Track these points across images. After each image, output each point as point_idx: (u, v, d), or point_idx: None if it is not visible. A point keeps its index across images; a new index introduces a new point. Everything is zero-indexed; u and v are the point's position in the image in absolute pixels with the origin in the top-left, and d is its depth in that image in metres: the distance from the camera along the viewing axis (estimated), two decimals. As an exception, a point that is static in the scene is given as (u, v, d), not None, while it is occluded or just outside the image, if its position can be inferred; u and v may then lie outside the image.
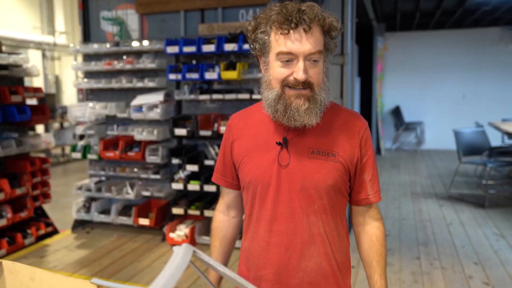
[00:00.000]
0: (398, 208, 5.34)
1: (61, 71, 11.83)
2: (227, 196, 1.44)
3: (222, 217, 1.46)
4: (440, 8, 7.62)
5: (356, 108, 8.78)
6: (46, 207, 4.87)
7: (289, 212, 1.24)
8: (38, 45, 10.83)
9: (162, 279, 0.68)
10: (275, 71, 1.18)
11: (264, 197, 1.27)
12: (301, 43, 1.13)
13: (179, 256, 0.76)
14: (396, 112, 10.19)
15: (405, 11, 8.02)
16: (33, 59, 10.98)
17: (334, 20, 1.18)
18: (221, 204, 1.47)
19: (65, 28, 11.25)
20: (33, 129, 8.97)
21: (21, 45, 10.46)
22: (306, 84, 1.16)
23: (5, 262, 1.03)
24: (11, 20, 11.20)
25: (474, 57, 9.80)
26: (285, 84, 1.18)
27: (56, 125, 10.06)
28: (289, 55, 1.15)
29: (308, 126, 1.21)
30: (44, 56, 11.27)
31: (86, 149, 4.38)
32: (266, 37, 1.19)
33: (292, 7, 1.15)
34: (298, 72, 1.14)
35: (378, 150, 9.40)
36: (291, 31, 1.14)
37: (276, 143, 1.26)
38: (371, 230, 1.32)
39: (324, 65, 1.21)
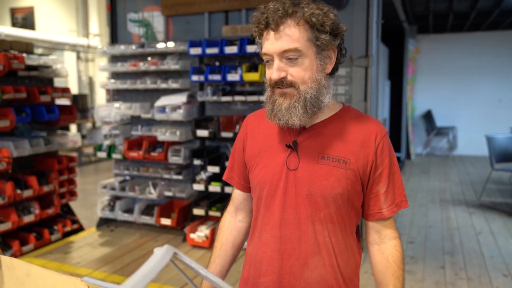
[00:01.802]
0: (425, 215, 5.18)
1: (94, 72, 12.17)
2: (236, 198, 1.41)
3: (228, 218, 1.42)
4: (475, 9, 7.37)
5: (386, 112, 8.61)
6: (76, 204, 5.01)
7: (294, 218, 1.19)
8: (73, 47, 11.19)
9: (135, 278, 0.67)
10: (266, 72, 1.19)
11: (270, 200, 1.23)
12: (271, 42, 1.12)
13: (157, 257, 0.74)
14: (428, 116, 9.92)
15: (438, 12, 7.80)
16: (68, 61, 11.37)
17: (316, 13, 1.10)
18: (230, 206, 1.44)
19: (98, 30, 11.57)
20: (66, 128, 9.28)
21: (57, 47, 10.84)
22: (287, 83, 1.14)
23: (3, 258, 1.05)
24: (49, 24, 11.66)
25: (512, 60, 9.43)
26: (271, 84, 1.17)
27: (88, 125, 10.36)
28: (266, 55, 1.15)
29: (291, 125, 1.17)
30: (78, 57, 11.63)
31: (111, 149, 4.47)
32: (260, 40, 1.19)
33: (263, 8, 1.13)
34: (272, 71, 1.14)
35: (408, 155, 9.18)
36: (264, 32, 1.14)
37: (286, 145, 1.22)
38: (387, 250, 1.22)
39: (317, 63, 1.14)
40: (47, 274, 1.00)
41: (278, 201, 1.21)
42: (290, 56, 1.11)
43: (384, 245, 1.24)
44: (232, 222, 1.41)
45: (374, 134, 1.20)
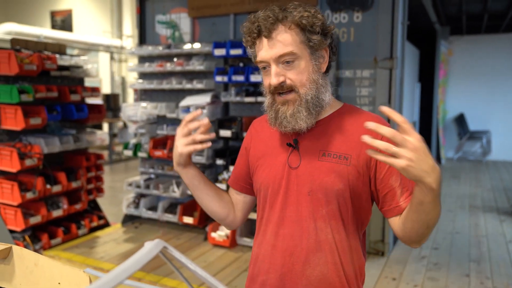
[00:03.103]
0: (453, 221, 5.05)
1: (127, 72, 12.48)
2: (233, 196, 1.45)
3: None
4: (511, 9, 7.11)
5: (416, 115, 8.43)
6: (104, 201, 5.15)
7: (296, 215, 1.21)
8: (107, 48, 11.52)
9: (121, 267, 0.70)
10: (263, 79, 1.22)
11: (274, 199, 1.25)
12: (266, 49, 1.15)
13: (145, 249, 0.77)
14: (460, 120, 9.64)
15: (472, 13, 7.58)
16: (102, 61, 11.72)
17: (304, 15, 1.13)
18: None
19: (131, 32, 11.87)
20: (99, 127, 9.55)
21: (92, 48, 11.20)
22: (286, 87, 1.16)
23: (15, 247, 1.11)
24: (85, 25, 12.06)
25: (551, 62, 9.04)
26: (271, 91, 1.19)
27: (120, 123, 10.63)
28: (262, 63, 1.18)
29: (298, 130, 1.19)
30: (112, 58, 11.96)
31: (137, 147, 4.58)
32: (252, 49, 1.22)
33: (253, 18, 1.16)
34: (271, 77, 1.15)
35: (438, 159, 8.95)
36: (257, 41, 1.17)
37: (287, 144, 1.24)
38: None
39: (312, 63, 1.17)
40: (53, 265, 1.06)
41: (280, 199, 1.23)
42: (286, 60, 1.14)
43: None
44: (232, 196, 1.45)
45: None
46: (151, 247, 0.78)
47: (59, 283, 1.05)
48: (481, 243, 4.30)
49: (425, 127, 8.83)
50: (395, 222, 1.19)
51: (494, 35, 9.45)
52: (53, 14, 12.57)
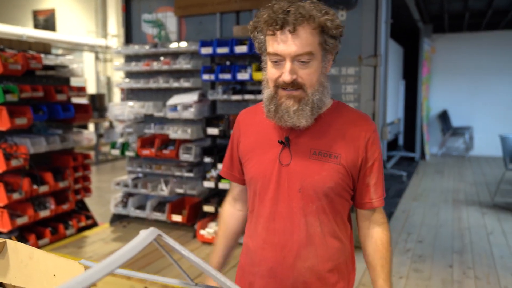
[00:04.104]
0: (437, 214, 5.16)
1: (112, 72, 12.39)
2: (234, 190, 1.47)
3: (228, 208, 1.50)
4: (491, 7, 7.27)
5: (400, 111, 8.56)
6: (91, 201, 5.14)
7: (287, 211, 1.24)
8: (92, 48, 11.43)
9: (117, 254, 0.73)
10: (268, 71, 1.19)
11: (264, 194, 1.28)
12: (287, 44, 1.12)
13: (141, 237, 0.80)
14: (443, 117, 9.81)
15: (453, 12, 7.73)
16: (86, 61, 11.62)
17: (329, 18, 1.13)
18: (229, 196, 1.51)
19: (116, 31, 11.79)
20: (84, 127, 9.48)
21: (76, 47, 11.09)
22: (296, 85, 1.15)
23: (9, 242, 1.13)
24: (69, 25, 11.93)
25: (531, 59, 9.26)
26: (277, 84, 1.18)
27: (106, 123, 10.56)
28: (276, 56, 1.14)
29: (298, 127, 1.20)
30: (97, 58, 11.87)
31: (124, 146, 4.58)
32: (262, 37, 1.19)
33: (278, 8, 1.12)
34: (284, 73, 1.14)
35: (422, 155, 9.10)
36: (277, 33, 1.13)
37: (278, 141, 1.26)
38: (376, 234, 1.29)
39: (322, 65, 1.18)
40: (48, 257, 1.08)
41: (271, 195, 1.26)
42: (303, 59, 1.13)
43: (373, 230, 1.30)
44: (231, 211, 1.49)
45: (364, 130, 1.24)
46: (146, 234, 0.81)
47: (54, 275, 1.07)
48: (463, 236, 4.41)
49: (410, 124, 8.98)
50: (362, 217, 1.32)
51: (475, 33, 9.64)
52: (35, 14, 12.39)
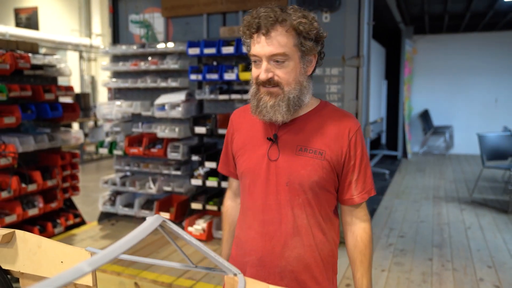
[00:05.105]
0: (418, 211, 5.33)
1: (96, 71, 12.33)
2: (233, 185, 1.59)
3: (230, 203, 1.60)
4: (469, 10, 7.50)
5: (383, 111, 8.76)
6: (77, 200, 5.15)
7: (275, 204, 1.33)
8: (76, 47, 11.36)
9: (125, 239, 0.82)
10: (252, 70, 1.32)
11: (253, 188, 1.37)
12: (262, 46, 1.23)
13: (147, 223, 0.89)
14: (425, 116, 10.06)
15: (433, 14, 7.95)
16: (70, 60, 11.55)
17: (303, 21, 1.21)
18: (229, 192, 1.62)
19: (101, 30, 11.74)
20: (69, 126, 9.44)
21: (60, 46, 11.02)
22: (273, 83, 1.26)
23: (18, 232, 1.20)
24: (52, 24, 11.83)
25: (508, 60, 9.56)
26: (257, 82, 1.29)
27: (90, 123, 10.53)
28: (255, 56, 1.27)
29: (275, 121, 1.30)
30: (81, 57, 11.81)
31: (112, 145, 4.62)
32: (248, 40, 1.30)
33: (255, 13, 1.24)
34: (261, 72, 1.26)
35: (404, 154, 9.32)
36: (254, 35, 1.25)
37: (267, 138, 1.36)
38: (357, 231, 1.38)
39: (300, 66, 1.27)
40: (56, 246, 1.16)
41: (261, 188, 1.36)
42: (277, 59, 1.24)
43: (355, 226, 1.39)
44: (233, 205, 1.60)
45: (348, 128, 1.34)
46: (152, 221, 0.90)
47: (62, 262, 1.15)
48: (443, 230, 4.58)
49: (392, 123, 9.18)
50: (345, 212, 1.41)
51: (454, 35, 9.91)
52: (17, 12, 12.24)
